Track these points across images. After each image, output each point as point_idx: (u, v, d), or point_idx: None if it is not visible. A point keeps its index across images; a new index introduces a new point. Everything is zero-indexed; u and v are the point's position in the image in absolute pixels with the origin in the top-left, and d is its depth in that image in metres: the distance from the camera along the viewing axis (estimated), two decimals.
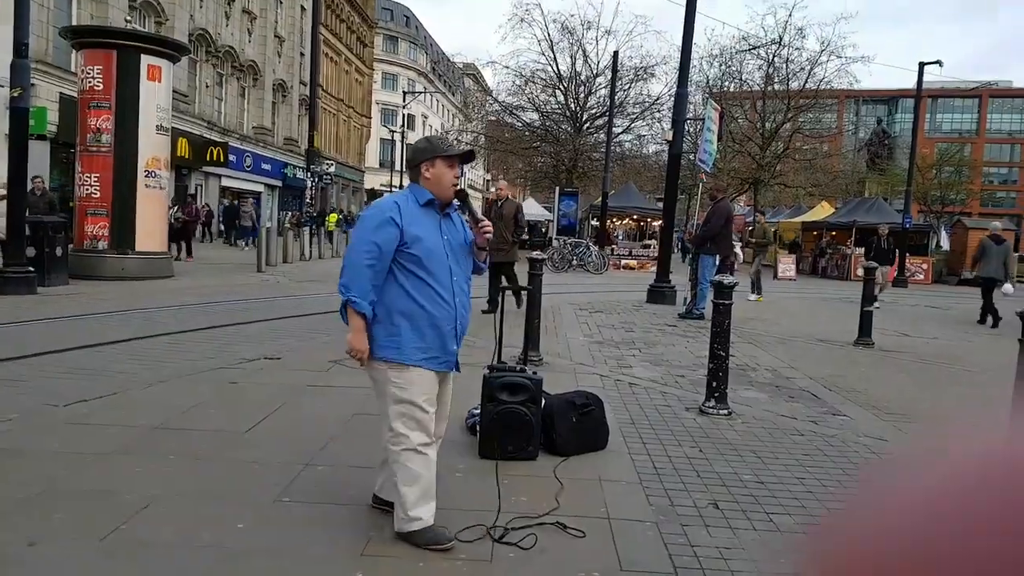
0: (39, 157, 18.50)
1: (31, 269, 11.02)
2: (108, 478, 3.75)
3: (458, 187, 3.29)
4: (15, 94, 10.75)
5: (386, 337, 3.10)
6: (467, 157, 3.41)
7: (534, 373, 4.51)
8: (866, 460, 4.66)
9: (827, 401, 6.32)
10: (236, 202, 30.27)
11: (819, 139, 33.45)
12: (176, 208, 18.86)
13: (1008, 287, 12.21)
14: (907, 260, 24.48)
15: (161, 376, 6.02)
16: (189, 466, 3.98)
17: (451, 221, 3.30)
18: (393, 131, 51.10)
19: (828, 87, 30.18)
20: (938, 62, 24.88)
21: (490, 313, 8.65)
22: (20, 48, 10.62)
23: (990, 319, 12.22)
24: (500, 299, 5.72)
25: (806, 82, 29.09)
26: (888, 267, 14.46)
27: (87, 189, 13.46)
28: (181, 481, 3.75)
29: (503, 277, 10.02)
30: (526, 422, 4.26)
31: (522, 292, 8.96)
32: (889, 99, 79.07)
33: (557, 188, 29.07)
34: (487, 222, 3.32)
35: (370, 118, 56.73)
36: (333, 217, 35.05)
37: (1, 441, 4.27)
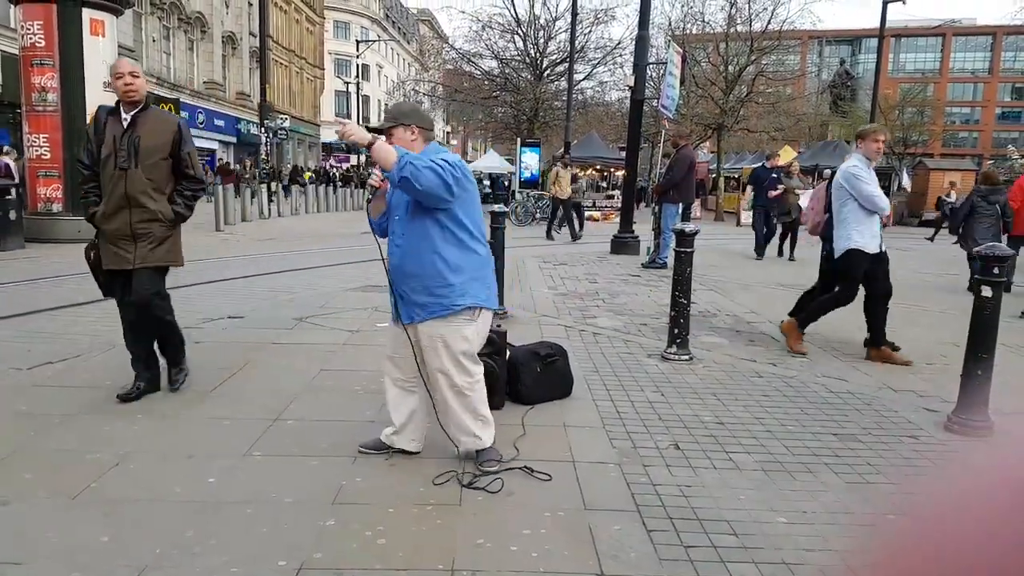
0: None
1: None
2: (76, 438, 3.76)
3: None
4: None
5: None
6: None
7: (498, 326, 4.58)
8: (824, 400, 4.82)
9: (786, 343, 6.46)
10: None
11: (782, 82, 33.33)
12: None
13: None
14: None
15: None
16: (157, 425, 4.00)
17: None
18: (348, 83, 49.86)
19: (791, 27, 30.08)
20: None
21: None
22: None
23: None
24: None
25: (769, 22, 28.94)
26: None
27: (37, 150, 13.05)
28: (149, 440, 3.77)
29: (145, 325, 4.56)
30: (491, 373, 4.33)
31: None
32: (852, 39, 79.21)
33: (519, 140, 28.78)
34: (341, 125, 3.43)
35: (323, 69, 55.23)
36: (308, 175, 34.27)
37: None
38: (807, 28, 31.66)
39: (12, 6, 14.19)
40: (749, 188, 13.91)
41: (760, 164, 15.03)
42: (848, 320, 7.85)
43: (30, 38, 12.80)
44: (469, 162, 47.65)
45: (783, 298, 9.10)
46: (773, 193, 13.24)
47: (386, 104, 64.35)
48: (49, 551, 2.69)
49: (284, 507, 3.08)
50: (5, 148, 20.96)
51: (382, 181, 3.34)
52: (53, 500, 3.07)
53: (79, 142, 12.99)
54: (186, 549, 2.72)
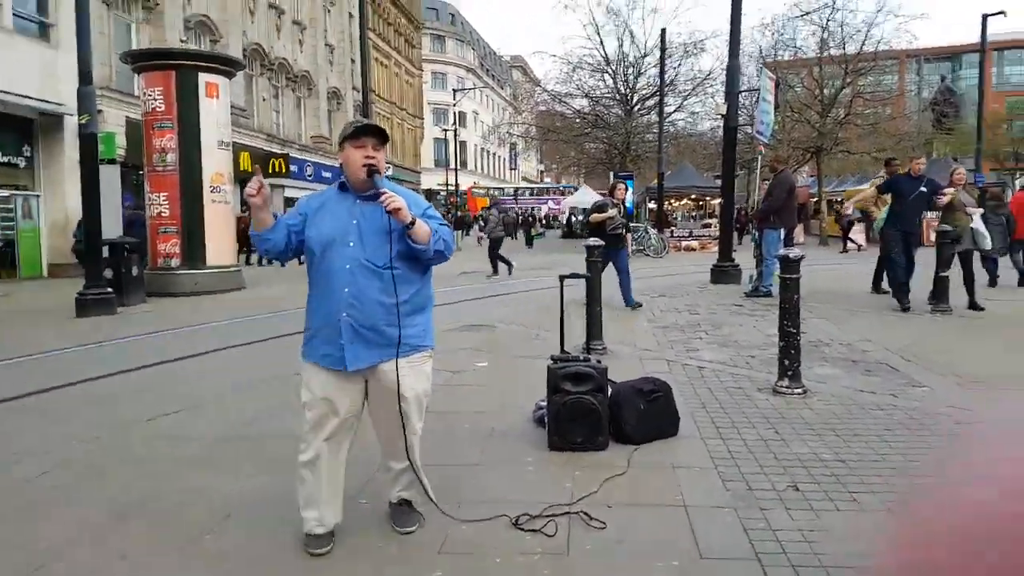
0: (110, 181, 19.18)
1: (110, 290, 11.44)
2: (191, 489, 3.87)
3: (367, 165, 3.02)
4: (83, 121, 11.14)
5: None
6: (365, 131, 3.12)
7: (598, 361, 4.47)
8: (952, 432, 4.48)
9: (906, 372, 6.11)
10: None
11: (881, 102, 32.24)
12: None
13: None
14: None
15: (237, 386, 6.19)
16: (267, 472, 4.07)
17: (374, 206, 3.00)
18: (446, 130, 51.55)
19: (886, 48, 29.17)
20: (1002, 12, 23.86)
21: None
22: (85, 76, 10.97)
23: None
24: (561, 288, 5.69)
25: (863, 44, 28.13)
26: None
27: (157, 208, 13.97)
28: (261, 488, 3.84)
29: None
30: (593, 411, 4.23)
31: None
32: (952, 55, 76.03)
33: (612, 173, 28.77)
34: (389, 195, 2.89)
35: (422, 119, 57.35)
36: None
37: (89, 458, 4.44)
38: (903, 47, 30.64)
39: (136, 75, 15.35)
40: (878, 203, 10.55)
41: (905, 172, 10.05)
42: (970, 346, 7.34)
43: (151, 103, 13.90)
44: (562, 195, 48.19)
45: (897, 324, 8.63)
46: (941, 200, 9.37)
47: (482, 148, 66.05)
48: None
49: (390, 558, 3.06)
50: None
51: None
52: (167, 554, 3.15)
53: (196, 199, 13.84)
54: None
